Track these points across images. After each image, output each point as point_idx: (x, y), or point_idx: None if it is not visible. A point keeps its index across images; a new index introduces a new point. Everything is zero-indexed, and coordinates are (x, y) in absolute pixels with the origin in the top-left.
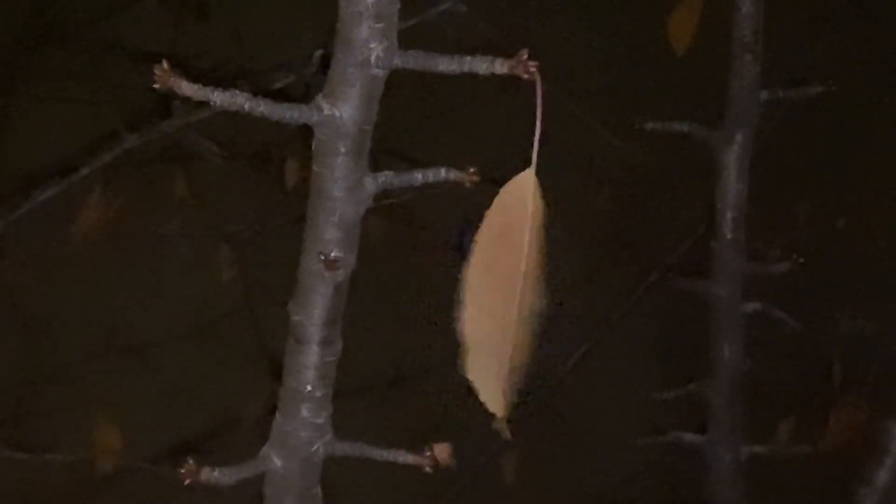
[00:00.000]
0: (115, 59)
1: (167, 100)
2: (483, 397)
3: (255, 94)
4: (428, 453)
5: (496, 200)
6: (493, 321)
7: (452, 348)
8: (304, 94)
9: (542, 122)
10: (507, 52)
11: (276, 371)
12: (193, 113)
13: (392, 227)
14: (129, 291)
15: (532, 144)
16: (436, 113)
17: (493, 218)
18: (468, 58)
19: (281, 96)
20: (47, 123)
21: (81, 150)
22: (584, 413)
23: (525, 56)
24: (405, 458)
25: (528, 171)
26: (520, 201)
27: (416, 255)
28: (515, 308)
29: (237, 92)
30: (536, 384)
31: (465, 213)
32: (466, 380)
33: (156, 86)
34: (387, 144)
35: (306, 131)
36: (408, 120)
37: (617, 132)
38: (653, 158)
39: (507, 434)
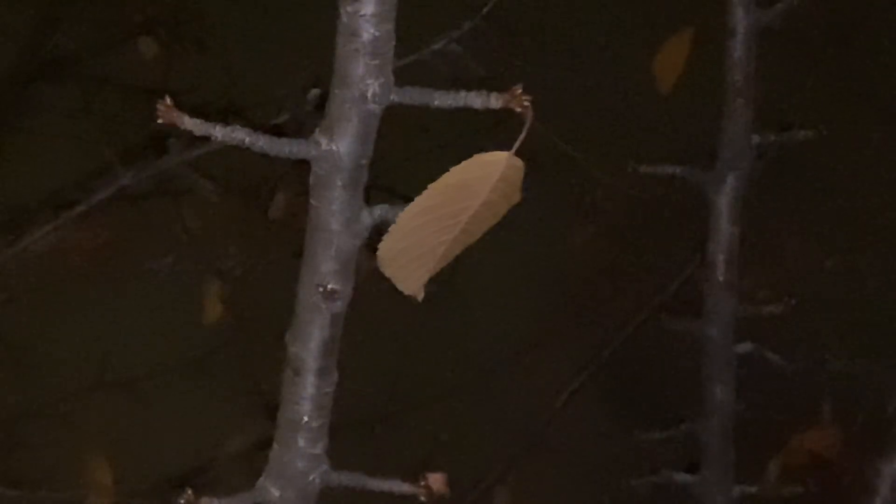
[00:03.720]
0: (109, 95)
1: (160, 135)
2: (397, 282)
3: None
4: (423, 483)
5: (464, 163)
6: (425, 241)
7: (444, 383)
8: (298, 132)
9: (522, 143)
10: (501, 89)
11: (266, 406)
12: (190, 149)
13: None
14: (120, 326)
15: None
16: (426, 150)
17: (454, 176)
18: (463, 93)
19: (275, 134)
20: (40, 158)
21: (74, 186)
22: (574, 451)
23: (519, 91)
24: (401, 487)
25: (504, 152)
26: (487, 170)
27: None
28: (452, 235)
29: (237, 127)
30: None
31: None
32: (457, 414)
33: (159, 120)
34: (380, 182)
35: (299, 167)
36: (399, 157)
37: (605, 170)
38: (641, 196)
39: (420, 296)
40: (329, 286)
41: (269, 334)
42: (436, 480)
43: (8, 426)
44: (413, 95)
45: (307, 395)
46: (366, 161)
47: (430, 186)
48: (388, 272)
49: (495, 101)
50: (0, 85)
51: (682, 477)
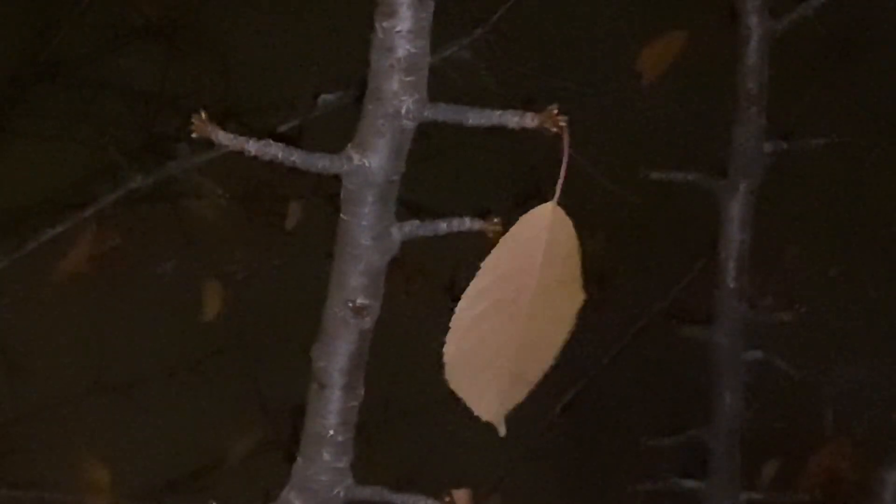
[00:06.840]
0: (109, 98)
1: (160, 139)
2: (470, 403)
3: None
4: (448, 499)
5: (512, 229)
6: (490, 338)
7: (439, 392)
8: (298, 137)
9: (565, 170)
10: (507, 98)
11: (265, 410)
12: (197, 154)
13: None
14: (121, 329)
15: (535, 186)
16: (426, 157)
17: (505, 245)
18: (498, 111)
19: (280, 140)
20: (40, 162)
21: (74, 190)
22: (575, 458)
23: (555, 111)
24: (424, 503)
25: (549, 203)
26: (536, 230)
27: (407, 299)
28: (518, 330)
29: (270, 142)
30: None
31: (458, 257)
32: (453, 421)
33: (193, 134)
34: None
35: (309, 175)
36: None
37: (609, 176)
38: (642, 202)
39: (502, 429)
40: (358, 301)
41: (270, 339)
42: (460, 497)
43: (5, 428)
44: (447, 112)
45: (333, 410)
46: (397, 177)
47: (482, 265)
48: (456, 388)
49: (531, 121)
50: (0, 88)
51: (689, 483)
